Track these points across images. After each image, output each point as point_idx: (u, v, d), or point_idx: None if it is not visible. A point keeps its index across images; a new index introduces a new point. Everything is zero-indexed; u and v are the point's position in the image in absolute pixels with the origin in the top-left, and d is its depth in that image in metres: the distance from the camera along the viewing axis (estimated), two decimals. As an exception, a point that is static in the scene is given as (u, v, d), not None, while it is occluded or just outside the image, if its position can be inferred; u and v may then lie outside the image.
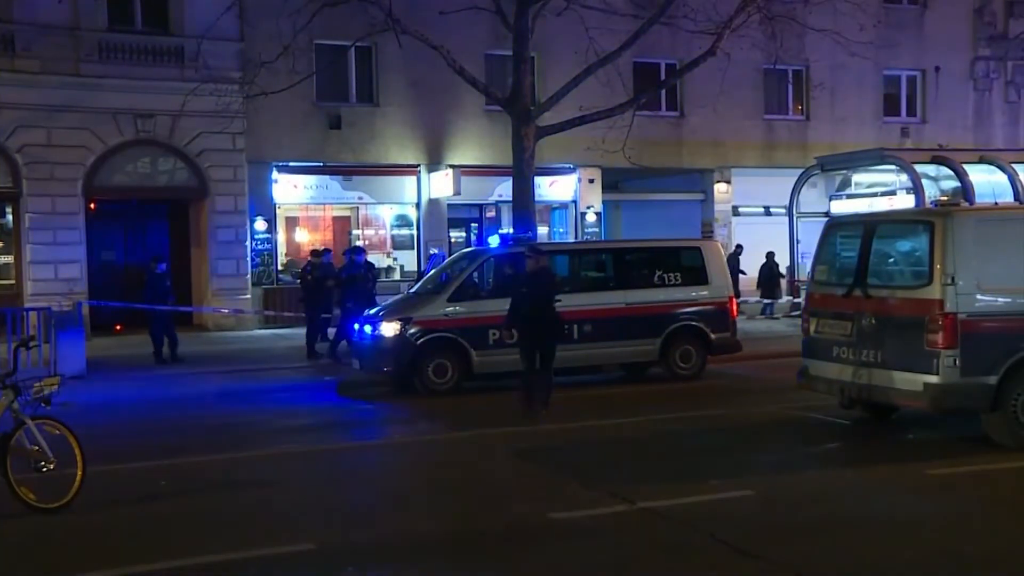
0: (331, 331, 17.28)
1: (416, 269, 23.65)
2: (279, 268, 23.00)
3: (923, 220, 9.54)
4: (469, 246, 23.81)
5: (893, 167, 21.48)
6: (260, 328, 21.84)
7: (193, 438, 10.76)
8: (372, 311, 14.22)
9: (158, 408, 12.80)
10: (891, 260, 10.04)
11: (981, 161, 20.94)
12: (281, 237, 23.33)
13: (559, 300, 13.26)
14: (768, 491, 7.86)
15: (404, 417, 12.22)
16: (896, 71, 28.20)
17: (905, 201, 20.25)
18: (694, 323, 14.12)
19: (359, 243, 22.99)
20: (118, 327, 20.53)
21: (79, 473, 7.67)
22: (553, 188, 25.02)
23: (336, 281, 16.86)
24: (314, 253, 18.37)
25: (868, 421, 10.57)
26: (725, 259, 15.30)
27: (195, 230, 22.62)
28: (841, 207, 22.30)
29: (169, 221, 23.11)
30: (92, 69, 20.50)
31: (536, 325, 11.24)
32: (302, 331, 17.91)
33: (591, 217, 25.38)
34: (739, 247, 24.18)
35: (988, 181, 19.97)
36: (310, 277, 17.35)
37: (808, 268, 11.77)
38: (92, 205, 21.29)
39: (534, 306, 11.27)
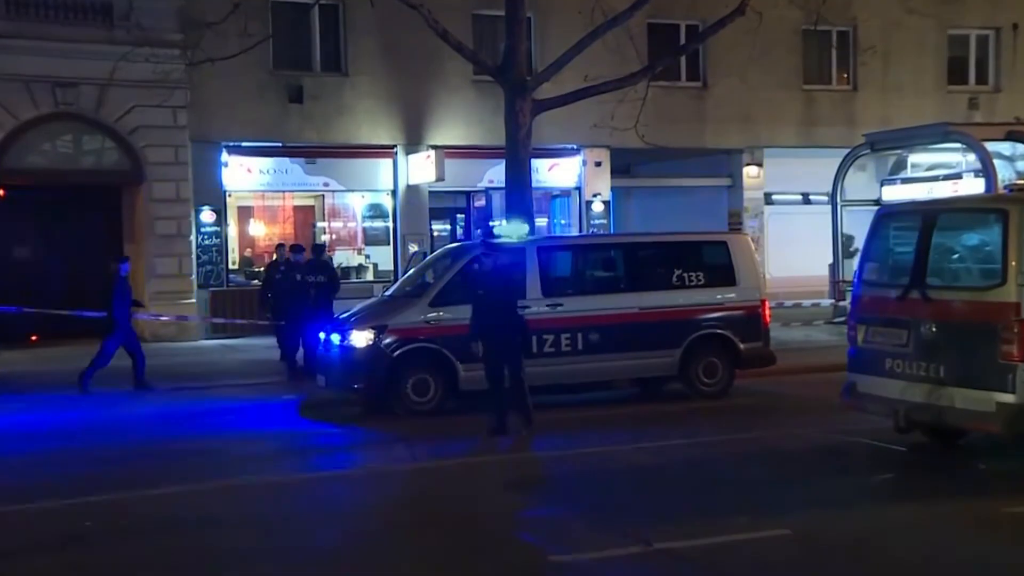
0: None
1: (392, 267, 23.67)
2: (230, 267, 22.96)
3: (994, 209, 9.54)
4: (455, 241, 23.78)
5: (958, 145, 21.48)
6: (207, 338, 21.78)
7: (126, 470, 10.70)
8: (342, 317, 14.20)
9: (83, 435, 12.70)
10: (955, 256, 10.04)
11: (1067, 137, 20.93)
12: (233, 230, 23.30)
13: (560, 305, 13.36)
14: (808, 530, 7.84)
15: (378, 442, 12.19)
16: (963, 30, 28.19)
17: (973, 186, 20.25)
18: (720, 331, 14.12)
19: (325, 238, 23.04)
20: (34, 337, 20.43)
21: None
22: (553, 172, 25.04)
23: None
24: (293, 249, 17.98)
25: (929, 448, 10.54)
26: (756, 254, 15.32)
27: (129, 222, 22.54)
28: (895, 193, 22.30)
29: (97, 211, 22.99)
30: (-1, 28, 20.34)
31: (498, 333, 11.43)
32: (256, 342, 17.93)
33: (598, 206, 25.39)
34: (849, 239, 23.77)
35: (1076, 162, 20.02)
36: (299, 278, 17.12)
37: (855, 266, 11.80)
38: (1, 191, 21.18)
39: (494, 311, 11.48)
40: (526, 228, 14.76)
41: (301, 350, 16.60)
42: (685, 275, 14.20)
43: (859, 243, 22.07)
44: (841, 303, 22.13)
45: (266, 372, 17.18)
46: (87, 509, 8.97)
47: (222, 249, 22.71)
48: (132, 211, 22.40)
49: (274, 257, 19.05)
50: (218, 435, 12.60)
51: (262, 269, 20.28)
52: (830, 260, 23.76)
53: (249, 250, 23.90)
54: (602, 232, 24.47)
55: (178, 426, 13.15)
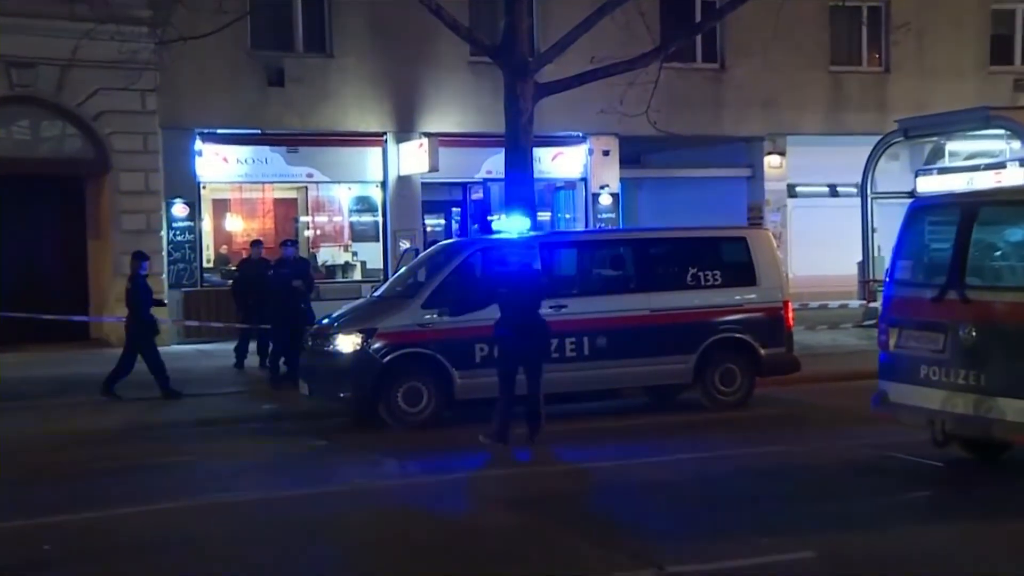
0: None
1: (382, 265, 23.68)
2: (204, 265, 22.96)
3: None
4: (450, 236, 23.80)
5: (1002, 131, 21.50)
6: (179, 343, 21.76)
7: (90, 488, 10.69)
8: (327, 320, 14.21)
9: (42, 450, 12.68)
10: (998, 253, 10.03)
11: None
12: (207, 225, 23.32)
13: (564, 306, 13.36)
14: (835, 552, 7.83)
15: (366, 456, 12.19)
16: (1008, 4, 28.18)
17: (1017, 176, 20.26)
18: (738, 335, 14.14)
19: (308, 234, 23.05)
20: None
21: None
22: (557, 162, 25.06)
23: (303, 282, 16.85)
24: (285, 244, 17.96)
25: (968, 463, 10.53)
26: (778, 251, 15.34)
27: (93, 216, 22.53)
28: (931, 184, 22.29)
29: (57, 204, 22.94)
30: (-54, 2, 20.28)
31: (520, 335, 11.81)
32: (232, 346, 18.14)
33: (606, 199, 25.40)
34: None
35: None
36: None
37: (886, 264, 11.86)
38: (-50, 183, 21.19)
39: (516, 312, 11.85)
40: (527, 223, 14.73)
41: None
42: (701, 274, 14.20)
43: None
44: (871, 304, 22.16)
45: (244, 380, 17.23)
46: (45, 531, 8.93)
47: (196, 246, 22.69)
48: (96, 204, 22.38)
49: (249, 254, 19.08)
50: (192, 449, 12.61)
51: (235, 268, 20.32)
52: (859, 258, 23.78)
53: (225, 247, 23.90)
54: (610, 227, 24.47)
55: (147, 439, 13.14)
